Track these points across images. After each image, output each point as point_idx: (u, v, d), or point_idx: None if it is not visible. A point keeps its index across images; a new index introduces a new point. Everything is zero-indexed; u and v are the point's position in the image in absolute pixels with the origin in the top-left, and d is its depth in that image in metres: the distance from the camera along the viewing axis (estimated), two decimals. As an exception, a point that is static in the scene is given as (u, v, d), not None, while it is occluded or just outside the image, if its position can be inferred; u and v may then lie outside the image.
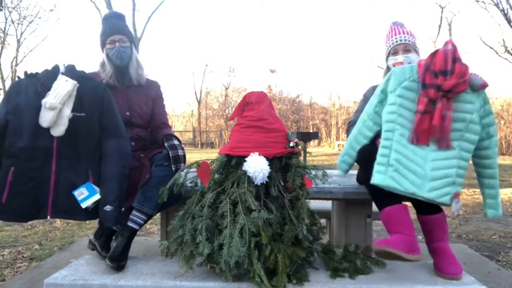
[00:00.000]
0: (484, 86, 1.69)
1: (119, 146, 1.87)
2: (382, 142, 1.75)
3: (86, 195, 1.78)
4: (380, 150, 1.75)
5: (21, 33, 18.93)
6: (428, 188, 1.65)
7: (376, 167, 1.73)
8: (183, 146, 2.09)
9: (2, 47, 16.85)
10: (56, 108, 1.74)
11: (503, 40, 14.33)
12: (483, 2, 13.02)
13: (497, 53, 14.65)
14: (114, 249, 1.81)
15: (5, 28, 16.52)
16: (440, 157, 1.67)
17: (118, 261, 1.76)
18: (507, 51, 14.08)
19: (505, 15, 11.88)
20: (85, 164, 1.82)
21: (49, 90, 1.77)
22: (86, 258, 1.95)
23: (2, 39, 16.24)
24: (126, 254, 1.83)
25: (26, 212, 1.77)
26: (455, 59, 1.65)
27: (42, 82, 1.81)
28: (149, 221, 2.63)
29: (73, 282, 1.65)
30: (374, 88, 2.14)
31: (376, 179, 1.72)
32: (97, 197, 1.78)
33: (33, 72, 1.87)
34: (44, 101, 1.75)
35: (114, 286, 1.63)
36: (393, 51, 2.07)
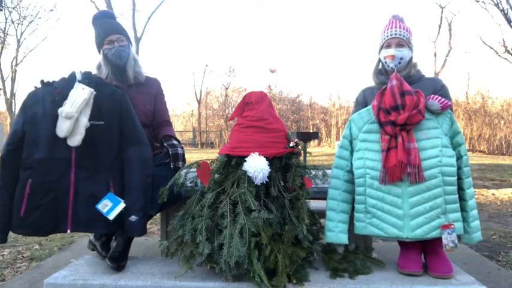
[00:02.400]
0: (445, 107, 1.68)
1: (141, 153, 1.81)
2: (356, 190, 1.76)
3: (111, 207, 1.71)
4: (356, 199, 1.76)
5: (21, 33, 18.97)
6: (412, 227, 1.63)
7: (356, 215, 1.76)
8: (182, 145, 2.10)
9: (2, 47, 16.86)
10: (73, 117, 1.69)
11: (503, 40, 14.33)
12: (483, 2, 13.01)
13: (497, 53, 14.65)
14: (114, 249, 1.81)
15: (5, 28, 16.55)
16: (420, 190, 1.63)
17: (118, 261, 1.76)
18: (507, 51, 14.07)
19: (505, 15, 11.86)
20: (105, 173, 1.76)
21: (66, 99, 1.73)
22: (86, 258, 1.96)
23: (2, 39, 16.25)
24: (126, 254, 1.83)
25: (44, 225, 1.71)
26: (404, 92, 1.66)
27: (59, 91, 1.77)
28: (149, 221, 2.62)
29: (73, 282, 1.65)
30: (364, 92, 2.14)
31: (358, 228, 1.75)
32: (122, 205, 1.72)
33: (50, 81, 1.83)
34: (60, 110, 1.71)
35: (114, 286, 1.63)
36: (386, 44, 2.02)
